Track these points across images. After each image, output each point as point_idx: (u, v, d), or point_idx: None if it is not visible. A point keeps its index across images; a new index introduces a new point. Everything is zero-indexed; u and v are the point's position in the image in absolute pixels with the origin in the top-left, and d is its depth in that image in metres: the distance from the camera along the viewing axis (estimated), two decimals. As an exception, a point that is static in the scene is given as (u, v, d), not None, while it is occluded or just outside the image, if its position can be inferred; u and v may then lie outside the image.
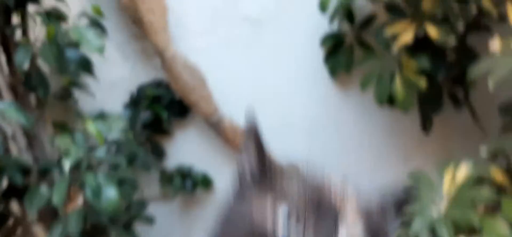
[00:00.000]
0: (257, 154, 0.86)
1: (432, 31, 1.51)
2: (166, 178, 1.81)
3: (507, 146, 1.23)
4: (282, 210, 0.75)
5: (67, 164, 1.27)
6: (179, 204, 1.95)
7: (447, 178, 1.29)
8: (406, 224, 1.38)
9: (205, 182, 1.88)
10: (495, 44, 1.27)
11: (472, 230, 1.22)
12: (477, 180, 1.27)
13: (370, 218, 0.80)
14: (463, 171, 1.26)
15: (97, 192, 1.27)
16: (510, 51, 1.21)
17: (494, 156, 1.52)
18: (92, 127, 1.33)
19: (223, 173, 1.90)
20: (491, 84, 1.18)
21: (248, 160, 0.89)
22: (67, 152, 1.29)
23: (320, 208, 0.76)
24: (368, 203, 0.78)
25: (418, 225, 1.23)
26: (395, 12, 1.70)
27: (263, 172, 0.85)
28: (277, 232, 0.74)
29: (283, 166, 0.89)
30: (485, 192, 1.21)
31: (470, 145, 1.95)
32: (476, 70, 1.30)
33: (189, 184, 1.85)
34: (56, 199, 1.26)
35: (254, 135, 0.87)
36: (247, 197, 0.81)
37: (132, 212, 1.49)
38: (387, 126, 1.87)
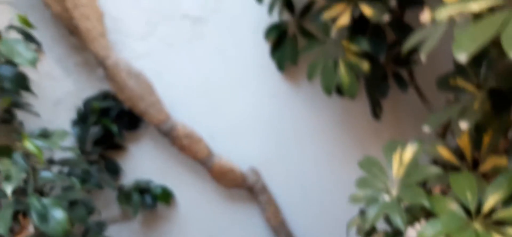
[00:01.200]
0: None
1: (367, 10, 1.52)
2: (124, 196, 1.76)
3: (449, 118, 1.25)
4: None
5: (9, 189, 1.22)
6: (141, 223, 1.92)
7: (395, 161, 1.31)
8: (362, 212, 1.41)
9: (165, 196, 1.85)
10: (425, 15, 1.28)
11: (426, 211, 1.24)
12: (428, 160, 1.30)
13: None
14: (409, 152, 1.28)
15: (44, 215, 1.22)
16: (440, 21, 1.22)
17: (441, 133, 1.56)
18: (30, 145, 1.27)
19: (183, 184, 1.90)
20: (423, 56, 1.19)
21: None
22: (8, 176, 1.23)
23: None
24: None
25: (372, 212, 1.24)
26: (332, -5, 1.71)
27: None
28: None
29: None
30: (432, 170, 1.24)
31: (421, 124, 2.00)
32: (408, 44, 1.32)
33: (149, 199, 1.82)
34: (2, 229, 1.20)
35: None
36: None
37: (90, 236, 1.45)
38: (339, 116, 1.89)
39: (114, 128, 1.72)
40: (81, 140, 1.73)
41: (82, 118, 1.73)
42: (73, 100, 1.74)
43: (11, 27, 1.38)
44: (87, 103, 1.72)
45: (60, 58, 1.68)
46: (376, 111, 1.81)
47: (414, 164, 1.27)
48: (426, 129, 1.29)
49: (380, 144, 1.97)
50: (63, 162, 1.46)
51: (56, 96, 1.72)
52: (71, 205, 1.46)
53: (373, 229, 1.42)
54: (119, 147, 1.82)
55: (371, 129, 1.92)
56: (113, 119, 1.74)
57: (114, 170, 1.83)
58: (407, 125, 1.94)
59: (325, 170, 1.96)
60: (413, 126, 1.93)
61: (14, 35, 1.41)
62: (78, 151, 1.49)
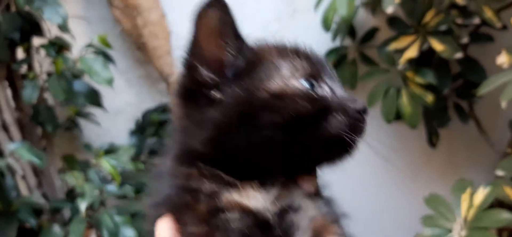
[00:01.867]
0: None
1: (437, 45, 1.51)
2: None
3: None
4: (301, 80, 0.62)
5: (83, 206, 1.24)
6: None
7: (464, 201, 1.30)
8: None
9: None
10: (502, 57, 1.27)
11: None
12: (497, 203, 1.28)
13: None
14: (481, 194, 1.27)
15: (115, 233, 1.24)
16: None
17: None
18: (107, 165, 1.30)
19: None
20: (503, 103, 1.18)
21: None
22: (82, 193, 1.26)
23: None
24: None
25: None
26: (397, 26, 1.70)
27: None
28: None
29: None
30: (504, 215, 1.23)
31: (477, 157, 1.98)
32: (485, 86, 1.30)
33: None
34: (74, 242, 1.23)
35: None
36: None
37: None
38: (393, 141, 1.88)
39: (171, 140, 1.73)
40: (137, 150, 1.75)
41: (140, 129, 1.75)
42: (132, 111, 1.77)
43: (90, 45, 1.40)
44: (146, 115, 1.74)
45: (124, 70, 1.70)
46: (432, 139, 1.79)
47: (485, 207, 1.26)
48: (500, 173, 1.27)
49: (432, 172, 1.96)
50: (123, 173, 1.47)
51: (117, 106, 1.75)
52: (132, 217, 1.48)
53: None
54: (172, 158, 1.84)
55: (424, 156, 1.90)
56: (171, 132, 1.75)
57: (166, 180, 1.85)
58: (460, 156, 1.92)
59: (375, 193, 1.95)
60: (467, 158, 1.92)
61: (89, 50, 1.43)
62: (140, 164, 1.51)
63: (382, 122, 1.77)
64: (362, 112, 0.61)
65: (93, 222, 1.31)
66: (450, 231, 1.27)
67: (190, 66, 0.63)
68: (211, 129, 0.61)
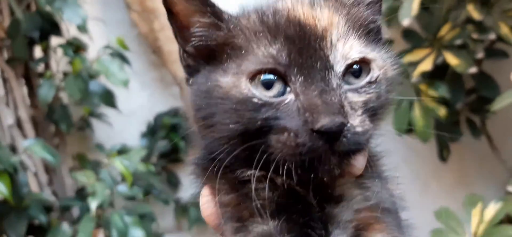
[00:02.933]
0: None
1: (452, 59, 1.50)
2: (182, 209, 1.79)
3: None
4: (262, 79, 0.52)
5: (94, 205, 1.25)
6: (194, 235, 1.94)
7: (475, 216, 1.29)
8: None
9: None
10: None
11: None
12: (506, 219, 1.27)
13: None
14: (492, 210, 1.26)
15: (124, 233, 1.25)
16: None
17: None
18: (120, 165, 1.31)
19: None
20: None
21: None
22: (94, 192, 1.27)
23: (303, 49, 0.53)
24: None
25: (449, 266, 1.23)
26: (412, 38, 1.70)
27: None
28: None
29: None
30: (515, 232, 1.22)
31: (488, 173, 1.97)
32: (499, 102, 1.29)
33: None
34: (83, 240, 1.24)
35: None
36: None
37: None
38: (403, 153, 1.87)
39: (182, 143, 1.74)
40: (148, 152, 1.77)
41: (152, 131, 1.77)
42: (145, 113, 1.78)
43: (107, 47, 1.42)
44: (158, 117, 1.76)
45: (138, 72, 1.72)
46: (443, 153, 1.78)
47: (495, 223, 1.25)
48: (511, 188, 1.26)
49: (442, 186, 1.94)
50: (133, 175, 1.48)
51: (130, 107, 1.76)
52: (140, 218, 1.48)
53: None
54: (181, 161, 1.85)
55: (433, 169, 1.89)
56: (182, 136, 1.77)
57: (174, 183, 1.86)
58: (471, 171, 1.91)
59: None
60: (477, 173, 1.90)
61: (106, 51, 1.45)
62: (150, 166, 1.52)
63: (393, 135, 1.76)
64: (323, 131, 0.50)
65: (102, 222, 1.32)
66: (460, 246, 1.26)
67: (179, 45, 0.61)
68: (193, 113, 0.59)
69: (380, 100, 0.56)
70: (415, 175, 1.88)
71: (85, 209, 1.35)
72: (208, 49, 0.58)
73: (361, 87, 0.55)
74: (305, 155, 0.51)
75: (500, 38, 1.56)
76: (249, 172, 0.55)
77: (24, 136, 1.42)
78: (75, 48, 1.45)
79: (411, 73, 1.60)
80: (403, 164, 1.88)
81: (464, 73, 1.50)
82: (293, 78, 0.53)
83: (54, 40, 1.50)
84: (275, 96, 0.53)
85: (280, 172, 0.52)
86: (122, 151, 1.46)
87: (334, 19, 0.56)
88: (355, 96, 0.55)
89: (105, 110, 1.67)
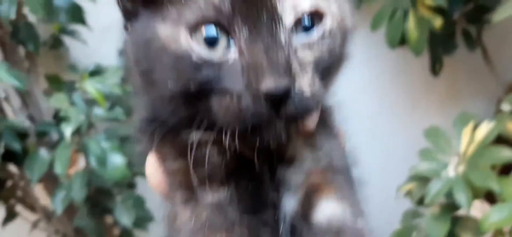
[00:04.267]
0: None
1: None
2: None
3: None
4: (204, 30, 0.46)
5: (68, 131, 1.19)
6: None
7: (465, 136, 1.25)
8: (420, 180, 1.37)
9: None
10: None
11: (489, 192, 1.20)
12: (496, 139, 1.24)
13: None
14: (484, 130, 1.21)
15: (102, 159, 1.20)
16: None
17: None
18: (91, 88, 1.23)
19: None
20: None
21: None
22: (67, 118, 1.20)
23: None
24: None
25: (435, 187, 1.21)
26: None
27: None
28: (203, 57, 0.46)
29: None
30: (505, 153, 1.19)
31: (480, 89, 1.91)
32: (502, 13, 1.20)
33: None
34: (59, 168, 1.19)
35: None
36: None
37: (134, 169, 1.43)
38: (394, 67, 1.80)
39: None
40: (127, 70, 1.67)
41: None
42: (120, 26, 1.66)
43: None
44: (136, 32, 1.64)
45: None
46: (435, 67, 1.72)
47: (486, 144, 1.21)
48: (505, 107, 1.21)
49: (433, 102, 1.89)
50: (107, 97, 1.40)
51: (104, 22, 1.64)
52: (122, 141, 1.43)
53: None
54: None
55: (424, 83, 1.83)
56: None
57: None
58: (463, 86, 1.85)
59: (370, 120, 1.91)
60: (469, 88, 1.85)
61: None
62: (125, 89, 1.44)
63: (383, 47, 1.68)
64: (270, 96, 0.44)
65: (80, 147, 1.27)
66: (447, 166, 1.24)
67: None
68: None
69: (333, 56, 0.50)
70: (406, 89, 1.83)
71: (63, 134, 1.29)
72: None
73: (313, 41, 0.49)
74: (249, 120, 0.46)
75: None
76: (194, 135, 0.50)
77: (-9, 58, 1.32)
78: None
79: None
80: (393, 78, 1.82)
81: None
82: (237, 32, 0.46)
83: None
84: (217, 54, 0.46)
85: (226, 137, 0.48)
86: (96, 72, 1.36)
87: None
88: (305, 52, 0.48)
89: (78, 26, 1.56)
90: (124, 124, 1.49)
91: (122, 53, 1.81)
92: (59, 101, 1.27)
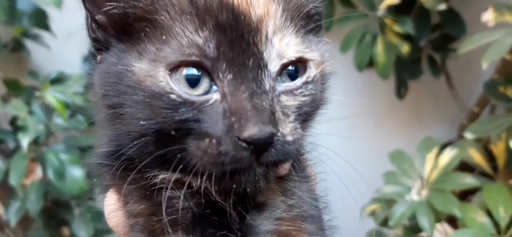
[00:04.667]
0: None
1: (422, -6, 1.42)
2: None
3: (491, 130, 1.20)
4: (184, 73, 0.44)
5: (25, 141, 1.14)
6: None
7: (429, 161, 1.27)
8: (385, 202, 1.38)
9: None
10: (488, 15, 1.19)
11: (451, 217, 1.23)
12: (459, 166, 1.26)
13: None
14: (447, 157, 1.24)
15: (61, 172, 1.15)
16: (508, 26, 1.13)
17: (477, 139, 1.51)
18: (51, 98, 1.18)
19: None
20: (484, 64, 1.12)
21: None
22: (25, 127, 1.14)
23: (234, 42, 0.45)
24: None
25: (399, 210, 1.22)
26: (380, -32, 1.60)
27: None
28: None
29: None
30: (467, 179, 1.21)
31: (442, 113, 1.96)
32: (468, 45, 1.23)
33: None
34: (14, 179, 1.13)
35: None
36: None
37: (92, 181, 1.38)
38: (361, 88, 1.82)
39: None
40: (91, 77, 1.62)
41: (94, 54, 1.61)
42: (85, 33, 1.61)
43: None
44: (102, 40, 1.60)
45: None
46: (400, 90, 1.75)
47: (449, 170, 1.23)
48: (468, 135, 1.23)
49: (395, 122, 1.93)
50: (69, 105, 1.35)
51: (68, 27, 1.58)
52: (83, 152, 1.38)
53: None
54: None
55: (389, 105, 1.86)
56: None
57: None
58: (427, 110, 1.89)
59: (336, 139, 1.92)
60: (432, 112, 1.89)
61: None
62: (87, 98, 1.39)
63: (349, 69, 1.70)
64: (250, 141, 0.43)
65: (37, 158, 1.21)
66: (410, 189, 1.25)
67: (87, 12, 0.51)
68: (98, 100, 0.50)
69: (315, 102, 0.52)
70: (371, 110, 1.85)
71: (20, 144, 1.23)
72: (123, 21, 0.48)
73: (296, 88, 0.49)
74: (227, 165, 0.44)
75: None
76: (161, 177, 0.48)
77: None
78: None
79: (377, 6, 1.51)
80: (359, 100, 1.84)
81: (433, 9, 1.42)
82: (220, 75, 0.45)
83: None
84: (198, 95, 0.45)
85: (198, 181, 0.46)
86: (58, 79, 1.31)
87: (271, 8, 0.48)
88: (289, 98, 0.49)
89: (40, 30, 1.50)
90: (84, 133, 1.44)
91: (86, 59, 1.74)
92: (17, 108, 1.21)
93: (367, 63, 1.60)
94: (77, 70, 1.58)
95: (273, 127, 0.44)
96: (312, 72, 0.50)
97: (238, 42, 0.45)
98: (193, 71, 0.45)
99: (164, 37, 0.46)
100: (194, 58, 0.45)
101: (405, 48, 1.53)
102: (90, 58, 1.59)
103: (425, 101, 1.86)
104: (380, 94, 1.83)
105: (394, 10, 1.53)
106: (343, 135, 1.88)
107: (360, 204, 1.44)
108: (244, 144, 0.44)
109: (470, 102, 1.72)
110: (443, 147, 1.33)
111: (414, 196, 1.24)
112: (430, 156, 1.26)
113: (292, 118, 0.47)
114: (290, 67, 0.49)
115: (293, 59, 0.49)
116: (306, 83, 0.50)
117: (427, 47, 1.70)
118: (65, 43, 1.61)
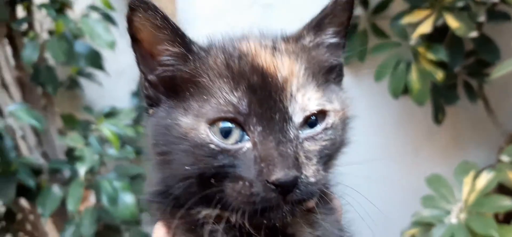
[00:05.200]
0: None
1: (452, 22, 1.45)
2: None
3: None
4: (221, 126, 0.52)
5: (82, 169, 1.24)
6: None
7: (466, 185, 1.28)
8: (423, 226, 1.39)
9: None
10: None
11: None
12: (497, 188, 1.27)
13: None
14: (484, 179, 1.25)
15: (114, 198, 1.24)
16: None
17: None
18: (106, 130, 1.29)
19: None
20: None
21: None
22: (82, 157, 1.25)
23: (264, 99, 0.52)
24: None
25: (438, 233, 1.23)
26: (412, -2, 1.64)
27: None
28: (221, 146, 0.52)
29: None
30: (505, 202, 1.21)
31: (482, 138, 1.95)
32: (501, 69, 1.25)
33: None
34: (71, 205, 1.23)
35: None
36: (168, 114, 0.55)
37: (141, 206, 1.47)
38: (397, 115, 1.85)
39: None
40: (138, 112, 1.74)
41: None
42: (134, 72, 1.73)
43: (93, 7, 1.36)
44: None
45: (126, 31, 1.66)
46: (438, 116, 1.76)
47: (487, 193, 1.24)
48: (505, 158, 1.24)
49: (435, 150, 1.93)
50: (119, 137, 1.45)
51: (119, 67, 1.72)
52: (132, 179, 1.47)
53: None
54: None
55: (426, 132, 1.87)
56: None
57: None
58: (465, 136, 1.89)
59: (375, 166, 1.94)
60: (471, 137, 1.88)
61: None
62: (140, 127, 1.49)
63: (386, 95, 1.73)
64: (278, 184, 0.51)
65: (92, 186, 1.31)
66: (449, 213, 1.26)
67: (141, 73, 0.59)
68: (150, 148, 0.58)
69: (335, 145, 0.58)
70: (409, 138, 1.87)
71: (76, 172, 1.33)
72: (172, 82, 0.57)
73: (317, 134, 0.57)
74: (258, 204, 0.52)
75: (503, 0, 1.50)
76: (204, 213, 0.56)
77: (11, 98, 1.38)
78: (59, 6, 1.39)
79: (410, 35, 1.56)
80: (396, 126, 1.86)
81: (465, 37, 1.45)
82: (251, 127, 0.54)
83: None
84: (232, 144, 0.53)
85: (234, 217, 0.54)
86: (111, 113, 1.42)
87: (294, 68, 0.57)
88: (311, 144, 0.56)
89: (94, 69, 1.63)
90: (133, 163, 1.54)
91: (135, 95, 1.86)
92: (74, 140, 1.32)
93: (402, 91, 1.63)
94: (126, 105, 1.70)
95: (297, 171, 0.52)
96: (330, 119, 0.57)
97: (266, 100, 0.54)
98: (227, 124, 0.53)
99: (205, 97, 0.54)
100: (229, 114, 0.53)
101: (439, 75, 1.55)
102: (140, 102, 1.70)
103: (464, 127, 1.86)
104: (418, 120, 1.84)
105: (426, 39, 1.57)
106: (383, 159, 1.91)
107: (399, 228, 1.46)
108: (272, 186, 0.51)
109: (510, 125, 1.71)
110: (482, 171, 1.34)
111: (452, 219, 1.25)
112: (468, 179, 1.27)
113: (314, 161, 0.55)
114: (312, 118, 0.56)
115: (315, 111, 0.56)
116: (326, 129, 0.57)
117: (462, 73, 1.72)
118: (115, 81, 1.74)
